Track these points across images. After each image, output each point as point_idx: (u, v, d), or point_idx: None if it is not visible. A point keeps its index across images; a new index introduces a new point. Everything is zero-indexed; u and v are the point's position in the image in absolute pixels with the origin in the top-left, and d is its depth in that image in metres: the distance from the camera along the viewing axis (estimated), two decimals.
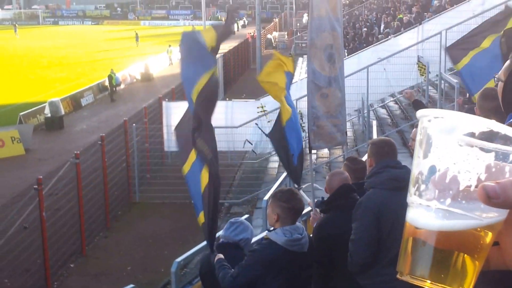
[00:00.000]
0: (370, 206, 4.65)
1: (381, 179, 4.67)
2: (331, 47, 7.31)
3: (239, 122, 17.26)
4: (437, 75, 16.60)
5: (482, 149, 0.83)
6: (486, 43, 8.24)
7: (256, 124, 17.24)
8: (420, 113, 0.90)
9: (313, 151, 17.02)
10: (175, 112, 18.89)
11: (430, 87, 17.11)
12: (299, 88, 19.03)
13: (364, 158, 6.16)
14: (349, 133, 18.39)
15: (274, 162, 17.84)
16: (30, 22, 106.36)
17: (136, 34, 63.03)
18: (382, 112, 19.24)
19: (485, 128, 0.84)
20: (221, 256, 5.05)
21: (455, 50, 8.86)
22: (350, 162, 6.01)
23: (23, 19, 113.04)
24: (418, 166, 0.89)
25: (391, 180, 4.59)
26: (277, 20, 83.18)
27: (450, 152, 0.85)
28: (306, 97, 8.12)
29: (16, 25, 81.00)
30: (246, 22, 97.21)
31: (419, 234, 0.87)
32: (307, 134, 7.85)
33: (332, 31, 7.24)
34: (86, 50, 58.45)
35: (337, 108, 7.65)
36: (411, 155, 11.76)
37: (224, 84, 35.08)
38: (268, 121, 17.23)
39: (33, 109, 27.28)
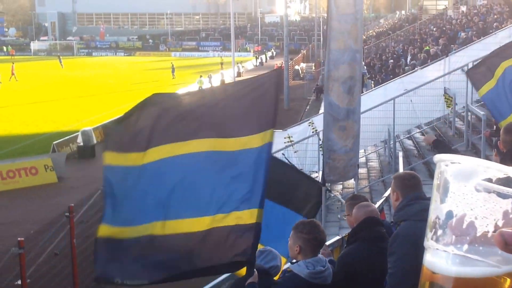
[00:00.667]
0: (407, 237, 4.48)
1: (414, 210, 4.56)
2: (351, 78, 7.28)
3: None
4: (463, 107, 16.46)
5: (499, 194, 0.83)
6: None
7: (283, 154, 17.20)
8: (437, 158, 0.90)
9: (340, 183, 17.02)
10: None
11: (456, 119, 16.97)
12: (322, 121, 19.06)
13: (388, 191, 6.04)
14: (375, 164, 18.30)
15: None
16: (65, 53, 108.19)
17: (172, 65, 62.12)
18: (409, 143, 19.11)
19: (502, 175, 0.84)
20: (254, 281, 4.94)
21: (477, 74, 8.36)
22: (353, 201, 5.88)
23: (58, 50, 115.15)
24: (436, 210, 0.88)
25: (424, 211, 4.49)
26: (304, 51, 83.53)
27: (467, 197, 0.84)
28: None
29: (60, 56, 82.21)
30: (274, 53, 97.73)
31: (436, 279, 0.86)
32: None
33: (353, 62, 7.21)
34: (118, 81, 59.22)
35: (352, 141, 7.60)
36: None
37: None
38: (295, 151, 17.21)
39: (66, 138, 27.61)
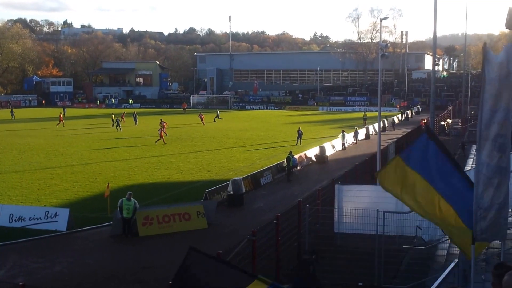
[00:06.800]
0: None
1: None
2: (501, 136, 6.93)
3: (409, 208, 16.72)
4: None
5: None
6: None
7: None
8: None
9: None
10: (347, 195, 18.79)
11: None
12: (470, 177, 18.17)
13: None
14: None
15: (443, 250, 17.02)
16: (220, 106, 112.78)
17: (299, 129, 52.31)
18: None
19: None
20: None
21: None
22: (498, 271, 5.29)
23: (214, 103, 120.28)
24: None
25: None
26: (451, 107, 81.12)
27: None
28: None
29: (218, 111, 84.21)
30: (420, 108, 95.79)
31: None
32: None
33: (504, 121, 6.86)
34: (267, 133, 60.54)
35: (504, 200, 7.19)
36: None
37: None
38: None
39: (217, 186, 28.43)
